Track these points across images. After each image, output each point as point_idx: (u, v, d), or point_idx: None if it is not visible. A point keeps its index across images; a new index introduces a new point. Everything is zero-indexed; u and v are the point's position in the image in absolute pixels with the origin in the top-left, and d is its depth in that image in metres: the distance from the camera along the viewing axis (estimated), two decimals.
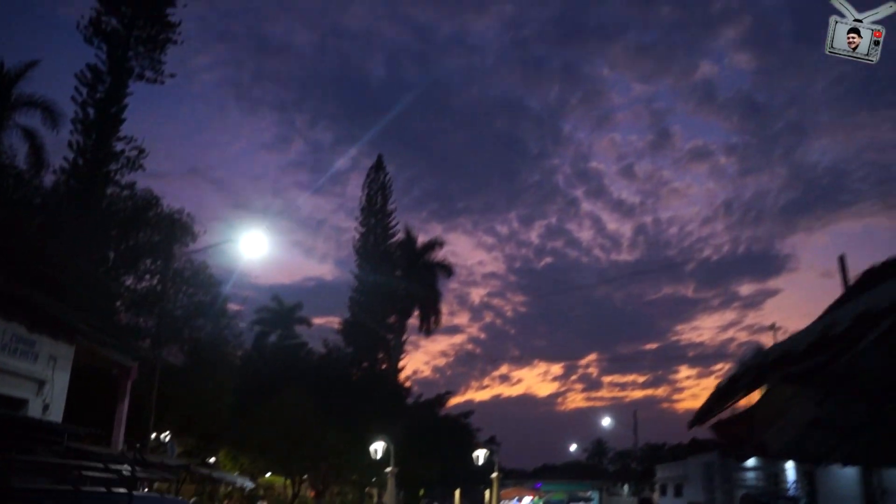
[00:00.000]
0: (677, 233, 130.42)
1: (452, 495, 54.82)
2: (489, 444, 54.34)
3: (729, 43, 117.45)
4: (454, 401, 58.93)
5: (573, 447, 69.04)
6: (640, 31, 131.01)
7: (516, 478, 71.06)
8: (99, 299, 21.96)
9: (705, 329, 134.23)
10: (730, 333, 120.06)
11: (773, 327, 31.42)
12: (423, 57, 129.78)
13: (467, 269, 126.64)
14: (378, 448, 26.00)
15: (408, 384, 50.17)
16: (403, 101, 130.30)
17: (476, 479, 51.99)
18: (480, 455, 36.63)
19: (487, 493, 53.96)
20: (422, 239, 49.64)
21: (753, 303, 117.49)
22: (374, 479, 38.67)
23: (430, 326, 47.48)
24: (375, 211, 51.45)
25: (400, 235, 50.71)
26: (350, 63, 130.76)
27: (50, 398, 13.06)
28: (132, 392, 17.18)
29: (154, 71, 33.94)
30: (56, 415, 13.32)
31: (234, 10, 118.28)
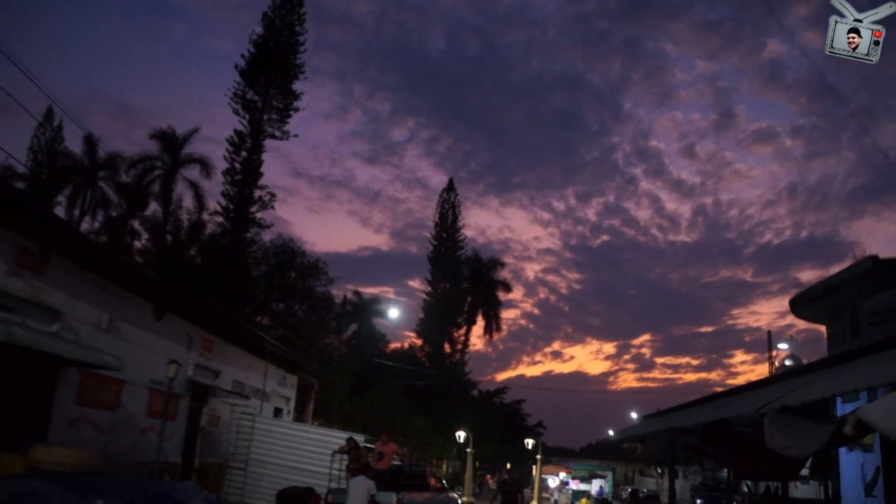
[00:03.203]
0: (738, 215, 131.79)
1: (503, 469, 64.61)
2: (537, 427, 64.17)
3: (799, 21, 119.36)
4: (506, 375, 67.00)
5: (610, 432, 76.65)
6: (706, 8, 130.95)
7: (562, 455, 79.60)
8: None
9: (763, 314, 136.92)
10: (788, 320, 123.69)
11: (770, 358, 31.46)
12: (483, 29, 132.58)
13: (522, 245, 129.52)
14: (461, 434, 35.20)
15: (467, 366, 59.68)
16: (462, 74, 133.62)
17: (524, 457, 61.59)
18: (529, 442, 45.66)
19: (534, 468, 63.58)
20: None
21: None
22: (446, 455, 48.65)
23: (491, 334, 56.94)
24: (447, 227, 60.75)
25: (468, 251, 60.00)
26: (409, 34, 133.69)
27: (290, 408, 22.79)
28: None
29: (281, 132, 43.43)
30: (290, 417, 23.07)
31: None
